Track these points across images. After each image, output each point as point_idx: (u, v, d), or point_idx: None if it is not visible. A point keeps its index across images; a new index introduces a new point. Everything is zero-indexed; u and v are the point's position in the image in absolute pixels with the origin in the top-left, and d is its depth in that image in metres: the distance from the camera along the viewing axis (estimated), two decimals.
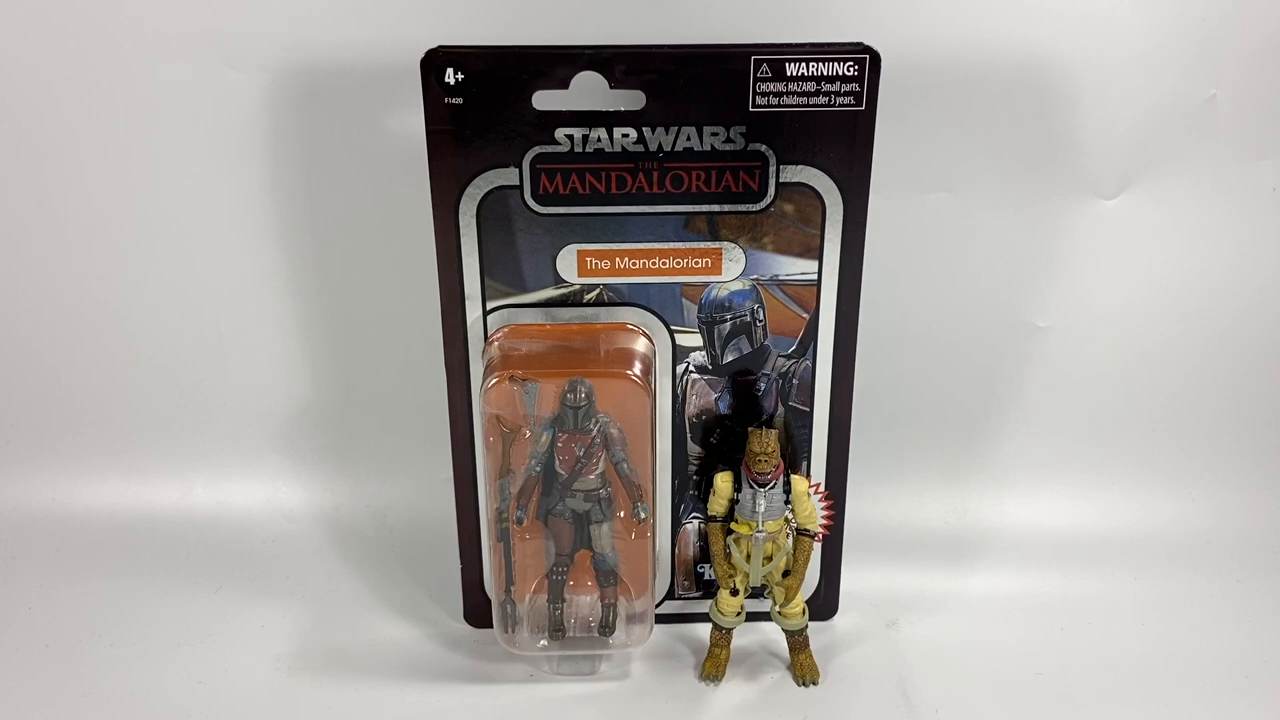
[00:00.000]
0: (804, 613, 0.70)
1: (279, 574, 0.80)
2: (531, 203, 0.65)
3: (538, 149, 0.63)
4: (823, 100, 0.63)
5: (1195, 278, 0.82)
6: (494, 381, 0.64)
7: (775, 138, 0.63)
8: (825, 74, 0.62)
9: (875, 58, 0.62)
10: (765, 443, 0.65)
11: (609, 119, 0.63)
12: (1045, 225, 0.80)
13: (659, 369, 0.69)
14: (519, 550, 0.68)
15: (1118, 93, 0.76)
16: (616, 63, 0.62)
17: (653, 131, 0.63)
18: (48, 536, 0.83)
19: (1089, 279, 0.82)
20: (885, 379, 0.80)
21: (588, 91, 0.63)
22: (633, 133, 0.63)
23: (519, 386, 0.64)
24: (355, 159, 0.78)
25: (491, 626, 0.71)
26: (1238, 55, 0.76)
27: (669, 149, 0.63)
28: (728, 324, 0.68)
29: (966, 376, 0.85)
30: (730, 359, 0.69)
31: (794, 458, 0.71)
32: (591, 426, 0.65)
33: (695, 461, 0.72)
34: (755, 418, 0.70)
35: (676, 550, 0.74)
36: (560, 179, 0.64)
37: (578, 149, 0.63)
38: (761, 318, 0.68)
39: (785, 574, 0.69)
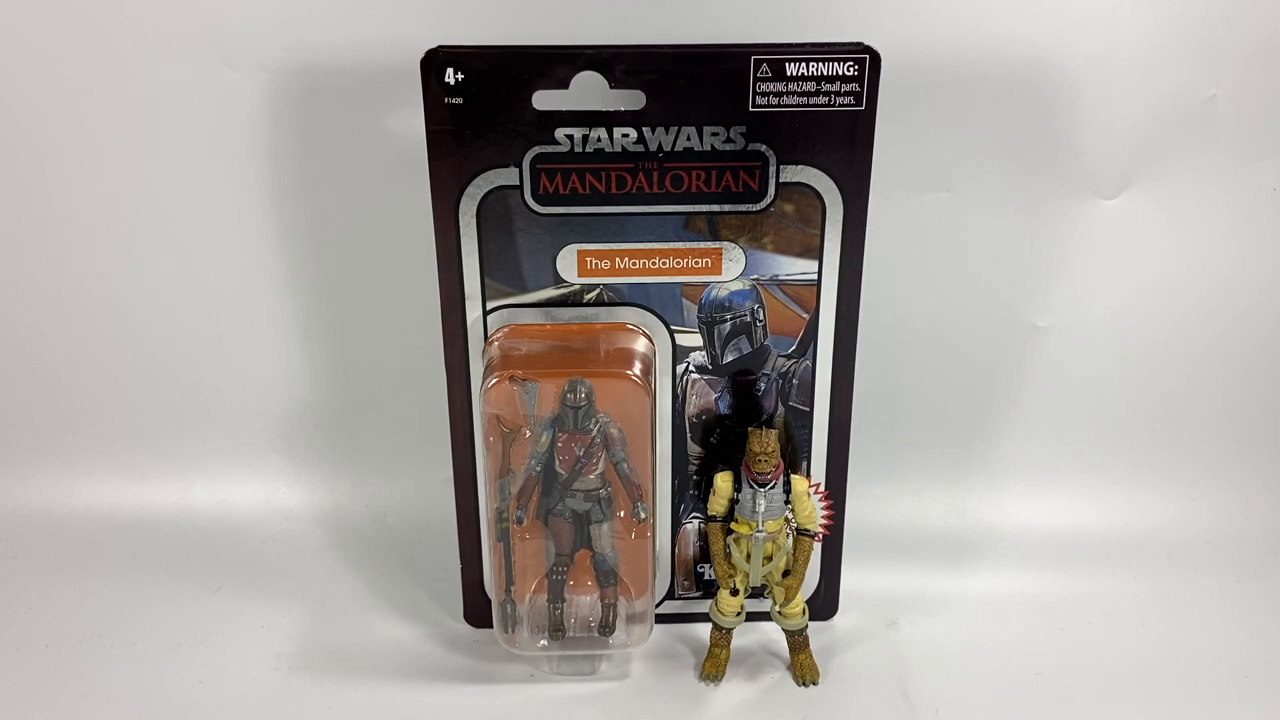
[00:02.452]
0: (804, 613, 0.70)
1: (279, 574, 0.80)
2: (531, 203, 0.65)
3: (538, 149, 0.63)
4: (823, 100, 0.63)
5: (1195, 278, 0.82)
6: (494, 381, 0.64)
7: (775, 138, 0.63)
8: (825, 74, 0.62)
9: (875, 58, 0.62)
10: (765, 443, 0.65)
11: (609, 119, 0.63)
12: (1045, 225, 0.80)
13: (659, 369, 0.68)
14: (519, 550, 0.68)
15: (1118, 93, 0.76)
16: (616, 63, 0.62)
17: (653, 131, 0.63)
18: (48, 536, 0.83)
19: (1089, 279, 0.82)
20: (885, 379, 0.80)
21: (588, 91, 0.63)
22: (633, 133, 0.63)
23: (519, 386, 0.64)
24: (355, 159, 0.78)
25: (491, 626, 0.71)
26: (1238, 55, 0.76)
27: (669, 149, 0.63)
28: (728, 324, 0.68)
29: (966, 376, 0.85)
30: (730, 359, 0.69)
31: (794, 458, 0.71)
32: (591, 426, 0.65)
33: (695, 461, 0.72)
34: (755, 418, 0.70)
35: (676, 550, 0.74)
36: (560, 179, 0.64)
37: (578, 149, 0.63)
38: (761, 318, 0.68)
39: (785, 574, 0.69)
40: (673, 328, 0.68)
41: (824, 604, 0.75)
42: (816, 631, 0.72)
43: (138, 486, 0.87)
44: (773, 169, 0.64)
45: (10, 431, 0.87)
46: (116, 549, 0.82)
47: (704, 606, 0.72)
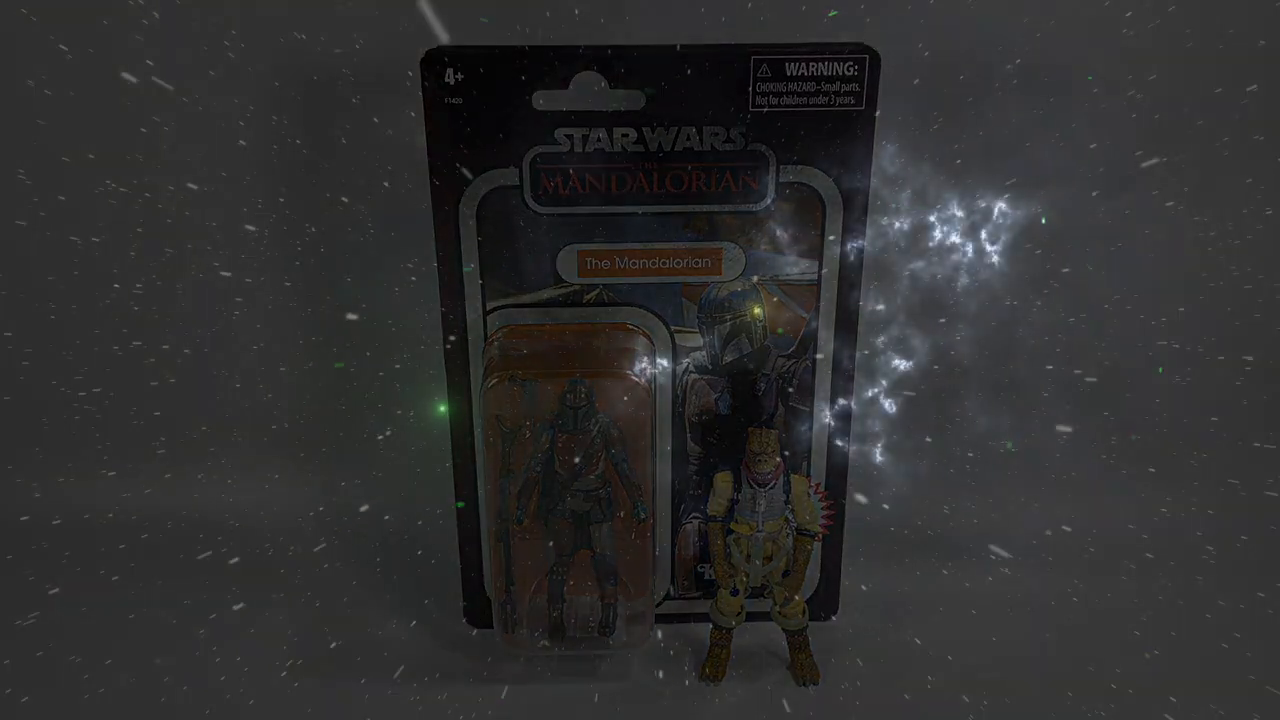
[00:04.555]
0: (804, 613, 0.70)
1: (279, 574, 0.80)
2: (531, 203, 0.65)
3: (538, 149, 0.63)
4: (823, 100, 0.63)
5: (1196, 277, 0.82)
6: (494, 381, 0.64)
7: (775, 138, 0.63)
8: (825, 74, 0.62)
9: (875, 58, 0.62)
10: (765, 443, 0.65)
11: (609, 119, 0.63)
12: (1047, 224, 0.80)
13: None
14: (519, 550, 0.68)
15: (1118, 92, 0.76)
16: (616, 63, 0.62)
17: (653, 131, 0.63)
18: (48, 536, 0.83)
19: (1091, 277, 0.82)
20: (884, 379, 0.80)
21: (588, 91, 0.63)
22: (633, 133, 0.63)
23: (519, 386, 0.64)
24: (355, 159, 0.78)
25: (491, 626, 0.71)
26: (1239, 55, 0.76)
27: (669, 149, 0.63)
28: (728, 324, 0.68)
29: (966, 376, 0.85)
30: (730, 359, 0.69)
31: (794, 458, 0.71)
32: (591, 427, 0.65)
33: (695, 461, 0.72)
34: (755, 418, 0.70)
35: (676, 550, 0.74)
36: (560, 179, 0.64)
37: (578, 149, 0.63)
38: (762, 318, 0.68)
39: (785, 574, 0.69)
40: (673, 328, 0.68)
41: (824, 604, 0.75)
42: (816, 631, 0.72)
43: (138, 486, 0.87)
44: (773, 169, 0.64)
45: (10, 431, 0.87)
46: (116, 549, 0.82)
47: (704, 606, 0.72)
